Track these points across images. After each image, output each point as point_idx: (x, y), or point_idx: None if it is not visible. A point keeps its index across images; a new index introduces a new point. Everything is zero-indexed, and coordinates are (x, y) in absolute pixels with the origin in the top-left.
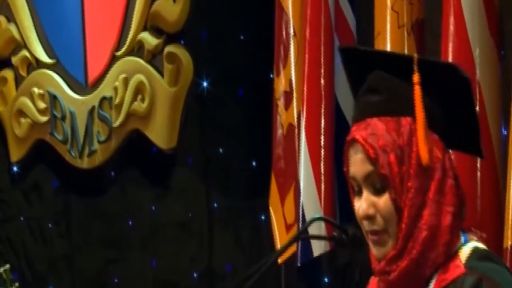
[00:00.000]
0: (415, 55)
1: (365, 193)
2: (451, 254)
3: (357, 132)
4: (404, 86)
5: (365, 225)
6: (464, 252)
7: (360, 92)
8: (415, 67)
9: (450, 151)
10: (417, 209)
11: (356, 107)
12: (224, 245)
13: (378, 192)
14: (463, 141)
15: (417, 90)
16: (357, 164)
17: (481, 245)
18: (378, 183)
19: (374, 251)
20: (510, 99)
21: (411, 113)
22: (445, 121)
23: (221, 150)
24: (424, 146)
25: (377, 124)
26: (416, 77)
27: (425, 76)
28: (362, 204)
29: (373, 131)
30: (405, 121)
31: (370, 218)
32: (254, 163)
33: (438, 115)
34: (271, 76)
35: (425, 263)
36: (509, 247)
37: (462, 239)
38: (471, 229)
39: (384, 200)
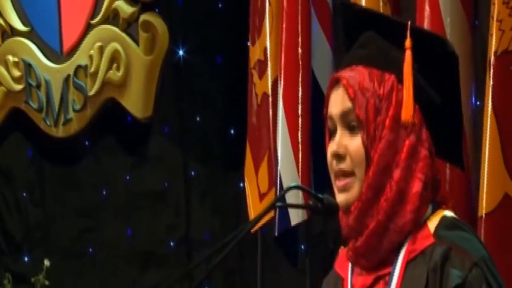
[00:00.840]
0: (409, 22)
1: (339, 133)
2: (420, 223)
3: (341, 73)
4: (394, 48)
5: (334, 165)
6: (433, 221)
7: (351, 49)
8: (408, 33)
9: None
10: (386, 161)
11: (343, 59)
12: (202, 214)
13: (352, 132)
14: (446, 131)
15: (408, 55)
16: (336, 102)
17: (450, 213)
18: (353, 122)
19: (339, 198)
20: (485, 69)
21: (396, 72)
22: (428, 96)
23: (198, 119)
24: (408, 104)
25: (362, 70)
26: (408, 43)
27: (416, 44)
28: (333, 144)
29: (356, 74)
30: (389, 76)
31: (339, 157)
32: (231, 132)
33: (423, 86)
34: (248, 44)
35: (392, 229)
36: (483, 216)
37: (430, 208)
38: (444, 197)
39: (356, 142)
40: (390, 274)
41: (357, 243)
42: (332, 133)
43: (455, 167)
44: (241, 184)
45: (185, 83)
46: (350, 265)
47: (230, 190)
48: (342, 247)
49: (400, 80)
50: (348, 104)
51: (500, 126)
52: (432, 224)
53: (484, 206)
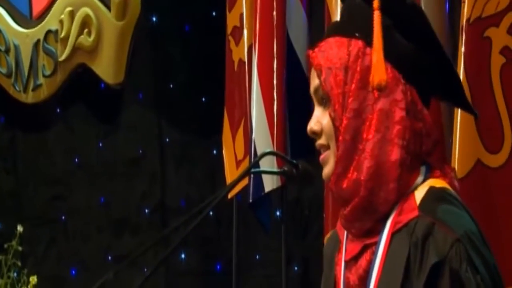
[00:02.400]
0: None
1: (316, 109)
2: (407, 193)
3: (313, 49)
4: (369, 12)
5: (316, 140)
6: (420, 192)
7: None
8: None
9: None
10: (353, 132)
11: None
12: (177, 181)
13: (324, 107)
14: (443, 87)
15: (376, 15)
16: (311, 80)
17: (440, 183)
18: (323, 97)
19: (323, 172)
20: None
21: (364, 36)
22: (415, 60)
23: (171, 86)
24: (378, 67)
25: (330, 43)
26: (376, 3)
27: (390, 7)
28: (311, 121)
29: (324, 49)
30: (356, 42)
31: (315, 133)
32: (204, 99)
33: (399, 47)
34: (221, 11)
35: (377, 200)
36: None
37: (421, 176)
38: (440, 159)
39: (327, 116)
40: (377, 244)
41: (345, 212)
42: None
43: (466, 111)
44: (215, 151)
45: (159, 49)
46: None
47: (205, 157)
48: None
49: (368, 43)
50: (317, 81)
51: (473, 93)
52: (419, 194)
53: (456, 169)
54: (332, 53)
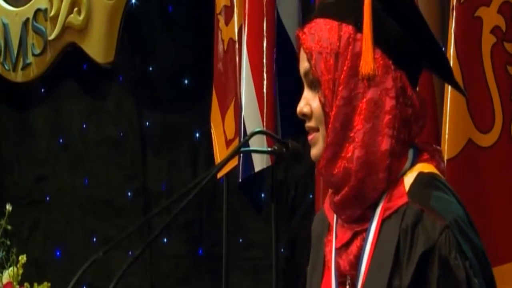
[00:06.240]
0: None
1: (305, 91)
2: (396, 179)
3: (303, 29)
4: None
5: (305, 122)
6: (409, 178)
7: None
8: None
9: None
10: (343, 119)
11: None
12: (159, 164)
13: (314, 90)
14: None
15: (367, 2)
16: (301, 61)
17: (428, 168)
18: (313, 80)
19: (311, 152)
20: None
21: (355, 22)
22: (402, 42)
23: (151, 68)
24: (367, 56)
25: (320, 25)
26: None
27: None
28: (300, 102)
29: (314, 31)
30: (346, 27)
31: (304, 115)
32: (186, 81)
33: (389, 32)
34: None
35: (366, 189)
36: (445, 161)
37: (409, 160)
38: (427, 143)
39: (316, 100)
40: (367, 231)
41: (336, 199)
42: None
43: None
44: (197, 135)
45: (139, 31)
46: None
47: (187, 140)
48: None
49: (359, 28)
50: (307, 64)
51: (464, 73)
52: (408, 180)
53: (446, 151)
54: (322, 36)
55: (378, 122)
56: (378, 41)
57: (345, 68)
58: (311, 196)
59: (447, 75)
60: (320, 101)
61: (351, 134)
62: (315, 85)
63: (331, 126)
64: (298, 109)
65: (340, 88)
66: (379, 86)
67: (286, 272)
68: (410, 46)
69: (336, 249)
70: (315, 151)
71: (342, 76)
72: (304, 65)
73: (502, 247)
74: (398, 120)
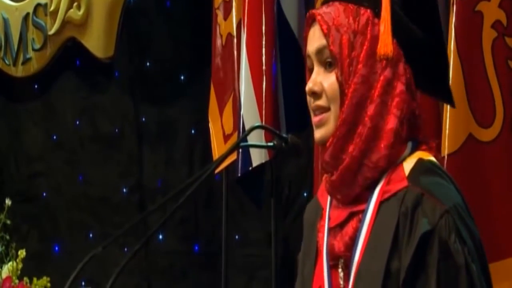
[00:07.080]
0: None
1: (315, 71)
2: (396, 163)
3: (317, 10)
4: None
5: (311, 102)
6: (409, 163)
7: None
8: None
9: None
10: (360, 96)
11: None
12: (154, 161)
13: (327, 69)
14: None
15: None
16: (312, 39)
17: (428, 157)
18: (328, 58)
19: (316, 134)
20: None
21: (372, 6)
22: (409, 30)
23: (148, 64)
24: (385, 37)
25: (337, 6)
26: None
27: None
28: (310, 82)
29: (331, 11)
30: (365, 11)
31: (315, 94)
32: (183, 77)
33: (402, 20)
34: None
35: (367, 165)
36: (446, 156)
37: (409, 148)
38: (425, 137)
39: (331, 78)
40: (364, 212)
41: (332, 177)
42: (311, 72)
43: (445, 103)
44: (193, 131)
45: (136, 26)
46: (329, 196)
47: (183, 136)
48: (325, 175)
49: (376, 14)
50: (323, 41)
51: (464, 67)
52: (408, 165)
53: (446, 146)
54: (340, 16)
55: (388, 101)
56: (393, 30)
57: (364, 48)
58: (305, 194)
59: (443, 84)
60: (337, 78)
61: (363, 114)
62: (329, 63)
63: (348, 103)
64: (308, 87)
65: (359, 66)
66: (393, 69)
67: (280, 271)
68: (421, 46)
69: (330, 228)
70: (323, 131)
71: (362, 54)
72: (319, 42)
73: (503, 241)
74: (406, 105)
